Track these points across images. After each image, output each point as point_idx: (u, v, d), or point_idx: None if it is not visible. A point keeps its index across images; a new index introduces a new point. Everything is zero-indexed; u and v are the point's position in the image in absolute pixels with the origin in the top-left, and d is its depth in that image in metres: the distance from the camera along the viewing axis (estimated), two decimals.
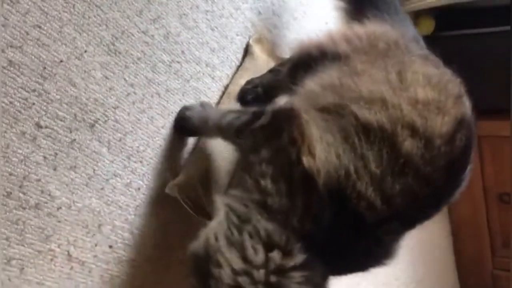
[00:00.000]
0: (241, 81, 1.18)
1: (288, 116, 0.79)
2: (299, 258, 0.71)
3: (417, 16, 2.19)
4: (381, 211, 0.72)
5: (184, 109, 1.05)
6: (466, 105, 0.82)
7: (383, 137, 0.73)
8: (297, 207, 0.72)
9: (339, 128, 0.76)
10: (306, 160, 0.72)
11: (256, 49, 1.21)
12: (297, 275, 0.71)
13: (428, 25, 2.17)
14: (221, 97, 1.17)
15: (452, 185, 0.79)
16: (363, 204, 0.71)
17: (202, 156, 1.06)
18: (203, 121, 0.99)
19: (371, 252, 0.76)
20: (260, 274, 0.70)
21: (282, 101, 1.07)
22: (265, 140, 0.79)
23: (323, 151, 0.73)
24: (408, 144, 0.73)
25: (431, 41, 2.22)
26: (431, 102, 0.76)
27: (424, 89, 0.77)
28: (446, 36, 2.18)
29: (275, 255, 0.71)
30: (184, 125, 1.04)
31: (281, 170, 0.74)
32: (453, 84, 0.83)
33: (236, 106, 1.13)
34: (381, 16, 1.05)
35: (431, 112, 0.75)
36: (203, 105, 1.06)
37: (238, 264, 0.71)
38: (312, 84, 0.88)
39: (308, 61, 0.95)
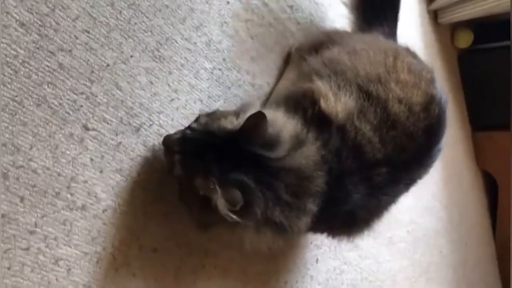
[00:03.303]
0: (283, 89, 1.18)
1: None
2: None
3: (454, 28, 2.16)
4: (377, 148, 0.91)
5: None
6: (437, 88, 1.03)
7: (379, 102, 0.95)
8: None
9: (346, 90, 0.96)
10: (323, 103, 0.92)
11: (297, 58, 1.21)
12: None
13: (466, 38, 2.14)
14: (262, 106, 1.17)
15: (430, 145, 1.00)
16: (362, 138, 0.91)
17: None
18: None
19: (358, 187, 0.90)
20: None
21: None
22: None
23: (336, 100, 0.93)
24: (396, 108, 0.95)
25: (469, 53, 2.19)
26: (409, 82, 1.00)
27: (405, 74, 1.01)
28: (485, 49, 2.14)
29: None
30: None
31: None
32: (426, 71, 1.05)
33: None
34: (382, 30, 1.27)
35: (409, 88, 0.99)
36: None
37: None
38: (314, 61, 1.09)
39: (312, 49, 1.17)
